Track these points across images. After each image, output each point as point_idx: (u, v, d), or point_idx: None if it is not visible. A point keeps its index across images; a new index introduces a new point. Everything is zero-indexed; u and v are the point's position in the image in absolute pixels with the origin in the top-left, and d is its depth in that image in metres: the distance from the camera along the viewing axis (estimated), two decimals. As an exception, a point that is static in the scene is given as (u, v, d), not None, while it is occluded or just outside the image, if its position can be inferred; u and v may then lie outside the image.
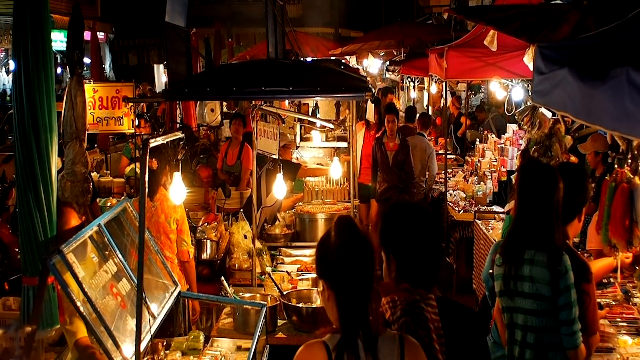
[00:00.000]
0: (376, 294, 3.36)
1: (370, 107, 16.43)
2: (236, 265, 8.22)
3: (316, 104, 15.15)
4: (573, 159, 7.97)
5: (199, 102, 13.52)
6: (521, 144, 11.57)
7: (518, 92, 11.50)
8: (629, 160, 5.67)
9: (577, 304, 4.41)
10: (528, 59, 5.97)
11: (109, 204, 10.69)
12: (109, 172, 13.48)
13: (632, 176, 5.59)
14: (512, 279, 4.54)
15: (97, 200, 10.49)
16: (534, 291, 4.44)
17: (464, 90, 20.29)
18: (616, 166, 5.96)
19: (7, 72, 29.69)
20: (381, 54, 22.23)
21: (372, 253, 3.36)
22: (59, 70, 26.69)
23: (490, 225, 10.01)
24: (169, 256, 7.30)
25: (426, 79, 16.98)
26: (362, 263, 3.29)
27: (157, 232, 7.33)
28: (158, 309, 5.17)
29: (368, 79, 11.05)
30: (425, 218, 3.65)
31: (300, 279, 7.53)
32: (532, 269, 4.45)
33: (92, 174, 10.78)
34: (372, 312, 3.28)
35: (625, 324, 5.87)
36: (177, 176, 6.63)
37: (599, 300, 5.77)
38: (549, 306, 4.41)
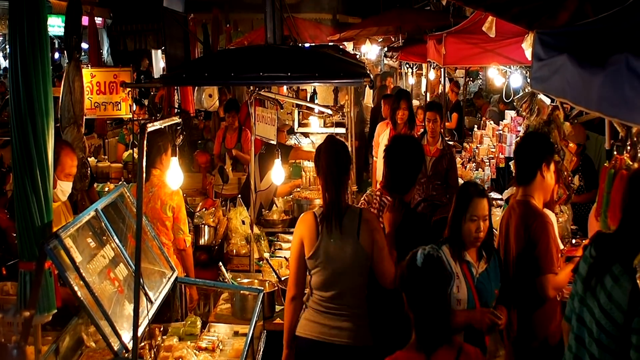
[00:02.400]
0: (346, 186, 5.49)
1: (369, 93, 16.41)
2: (234, 250, 8.23)
3: (314, 89, 15.12)
4: (572, 145, 7.96)
5: (196, 87, 13.50)
6: (519, 131, 11.57)
7: (516, 79, 11.49)
8: (628, 147, 5.66)
9: None
10: (527, 46, 5.95)
11: (106, 189, 10.69)
12: (106, 157, 13.49)
13: (631, 163, 5.58)
14: (594, 277, 4.24)
15: (95, 185, 10.49)
16: (607, 309, 4.09)
17: (462, 77, 20.27)
18: (615, 153, 5.95)
19: (5, 57, 29.63)
20: (379, 40, 22.19)
21: (348, 158, 5.50)
22: (56, 55, 26.64)
23: (488, 211, 10.00)
24: (165, 242, 7.24)
25: (424, 65, 16.94)
26: (338, 163, 5.35)
27: (153, 218, 7.25)
28: (155, 294, 5.18)
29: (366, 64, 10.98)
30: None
31: (298, 265, 7.53)
32: (613, 287, 4.08)
33: (90, 159, 10.78)
34: (342, 197, 5.36)
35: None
36: (175, 161, 6.62)
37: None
38: (617, 332, 4.04)
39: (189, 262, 7.46)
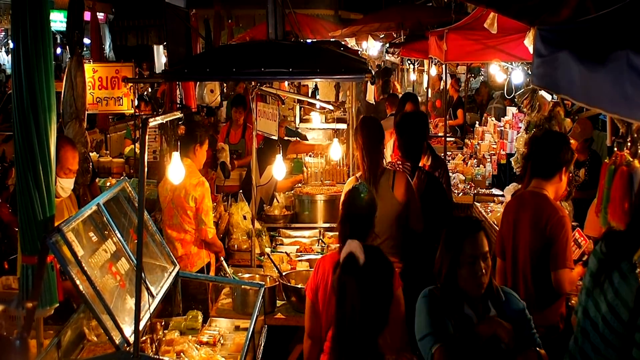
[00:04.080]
0: (381, 155, 6.61)
1: (370, 89, 16.41)
2: (235, 245, 8.25)
3: (316, 85, 15.13)
4: (573, 142, 7.98)
5: (198, 82, 13.49)
6: (520, 127, 11.57)
7: (518, 75, 11.49)
8: (629, 144, 5.67)
9: None
10: (528, 42, 5.96)
11: (108, 184, 10.72)
12: (108, 152, 13.49)
13: (631, 159, 5.59)
14: (603, 273, 4.29)
15: (97, 180, 10.51)
16: (614, 305, 4.15)
17: (464, 73, 20.26)
18: (616, 149, 5.96)
19: (7, 52, 29.66)
20: (381, 36, 22.15)
21: (380, 132, 6.72)
22: (58, 50, 26.63)
23: (489, 208, 10.03)
24: (188, 230, 7.64)
25: (426, 62, 16.93)
26: (372, 136, 6.58)
27: (177, 205, 7.64)
28: (157, 288, 5.19)
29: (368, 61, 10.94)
30: None
31: (299, 260, 7.56)
32: (620, 283, 4.15)
33: (92, 155, 10.79)
34: (378, 162, 6.52)
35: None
36: (176, 156, 6.64)
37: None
38: (622, 328, 4.09)
39: (214, 249, 7.86)
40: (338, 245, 5.75)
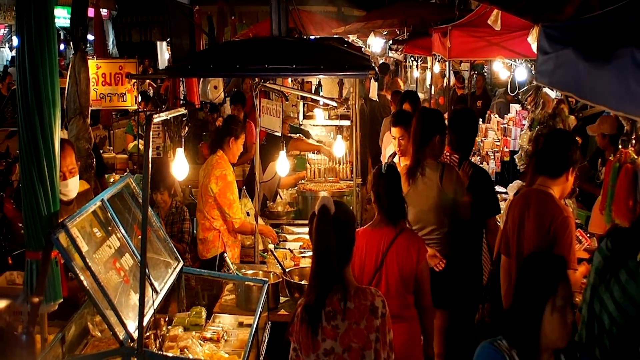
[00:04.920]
0: (432, 146, 6.76)
1: (374, 86, 16.39)
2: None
3: (319, 81, 15.11)
4: (577, 139, 7.98)
5: (202, 79, 13.50)
6: (524, 124, 11.57)
7: (521, 72, 11.48)
8: (633, 141, 5.67)
9: None
10: (532, 39, 5.96)
11: (112, 180, 10.72)
12: (112, 148, 13.52)
13: (636, 157, 5.60)
14: (609, 270, 4.28)
15: (115, 176, 10.63)
16: (621, 302, 4.14)
17: (467, 70, 20.23)
18: (620, 147, 5.97)
19: (11, 48, 29.68)
20: (384, 33, 22.14)
21: (431, 126, 6.80)
22: (62, 46, 26.66)
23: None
24: (208, 217, 7.88)
25: (429, 58, 16.92)
26: (422, 128, 6.79)
27: (202, 192, 7.89)
28: (160, 284, 5.20)
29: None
30: None
31: (302, 257, 7.57)
32: (628, 281, 4.14)
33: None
34: (424, 154, 6.71)
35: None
36: (180, 152, 6.65)
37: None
38: (629, 325, 4.09)
39: (246, 232, 8.15)
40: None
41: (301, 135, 12.33)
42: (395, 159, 8.02)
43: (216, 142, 8.17)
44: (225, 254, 7.31)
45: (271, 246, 8.01)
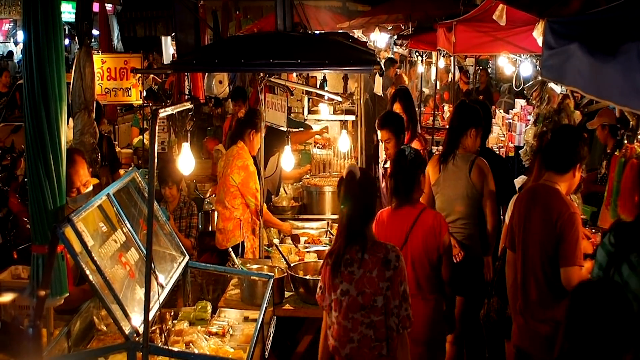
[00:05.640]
0: (466, 137, 7.00)
1: (379, 81, 16.39)
2: (243, 236, 8.27)
3: (324, 76, 15.14)
4: (584, 135, 7.98)
5: (207, 73, 13.51)
6: (529, 120, 11.56)
7: (526, 68, 11.46)
8: (639, 136, 5.67)
9: None
10: (537, 34, 5.95)
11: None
12: (117, 143, 13.53)
13: (641, 152, 5.59)
14: (612, 265, 4.27)
15: (120, 170, 10.65)
16: None
17: (472, 65, 20.22)
18: (626, 142, 5.96)
19: (16, 43, 29.70)
20: (389, 28, 22.11)
21: (467, 119, 7.08)
22: (67, 41, 26.66)
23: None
24: (228, 207, 8.01)
25: (434, 54, 16.90)
26: (458, 120, 7.10)
27: (223, 182, 8.07)
28: (166, 279, 5.20)
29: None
30: None
31: (307, 251, 7.58)
32: (630, 275, 4.15)
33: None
34: (457, 144, 6.99)
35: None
36: (186, 147, 6.66)
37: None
38: None
39: (267, 222, 8.25)
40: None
41: (302, 129, 12.34)
42: (387, 165, 7.96)
43: (237, 133, 8.36)
44: (230, 249, 7.32)
45: (276, 241, 8.02)
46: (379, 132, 8.08)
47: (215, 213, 8.63)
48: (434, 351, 6.03)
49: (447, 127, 7.39)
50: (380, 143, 8.06)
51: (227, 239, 8.04)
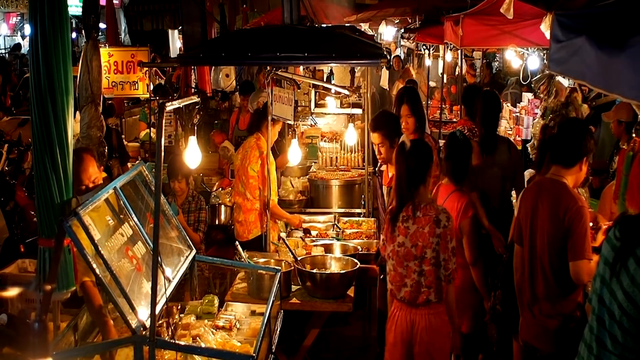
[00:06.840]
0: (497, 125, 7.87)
1: (385, 75, 16.36)
2: (250, 230, 8.26)
3: (331, 70, 15.09)
4: (591, 128, 7.94)
5: (213, 67, 13.50)
6: (537, 113, 11.52)
7: (534, 61, 11.43)
8: (647, 130, 5.64)
9: None
10: (545, 27, 5.93)
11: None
12: (124, 136, 13.53)
13: (649, 146, 5.56)
14: (618, 259, 4.13)
15: (129, 164, 10.70)
16: (630, 291, 3.99)
17: (480, 59, 20.15)
18: (634, 135, 5.93)
19: (23, 37, 29.74)
20: (396, 22, 22.05)
21: (495, 107, 7.77)
22: (74, 35, 26.69)
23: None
24: (249, 198, 8.15)
25: (441, 47, 16.85)
26: (489, 109, 7.64)
27: (242, 174, 8.15)
28: (173, 272, 5.20)
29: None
30: None
31: (314, 245, 7.56)
32: (636, 270, 4.01)
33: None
34: (493, 131, 7.63)
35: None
36: (193, 141, 6.66)
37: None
38: (638, 315, 3.95)
39: (276, 216, 8.35)
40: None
41: (312, 124, 12.33)
42: (383, 168, 7.51)
43: (255, 124, 8.46)
44: (236, 242, 7.32)
45: (283, 234, 8.02)
46: (371, 135, 7.31)
47: (222, 207, 8.64)
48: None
49: (478, 119, 7.83)
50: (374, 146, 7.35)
51: (248, 231, 8.12)
